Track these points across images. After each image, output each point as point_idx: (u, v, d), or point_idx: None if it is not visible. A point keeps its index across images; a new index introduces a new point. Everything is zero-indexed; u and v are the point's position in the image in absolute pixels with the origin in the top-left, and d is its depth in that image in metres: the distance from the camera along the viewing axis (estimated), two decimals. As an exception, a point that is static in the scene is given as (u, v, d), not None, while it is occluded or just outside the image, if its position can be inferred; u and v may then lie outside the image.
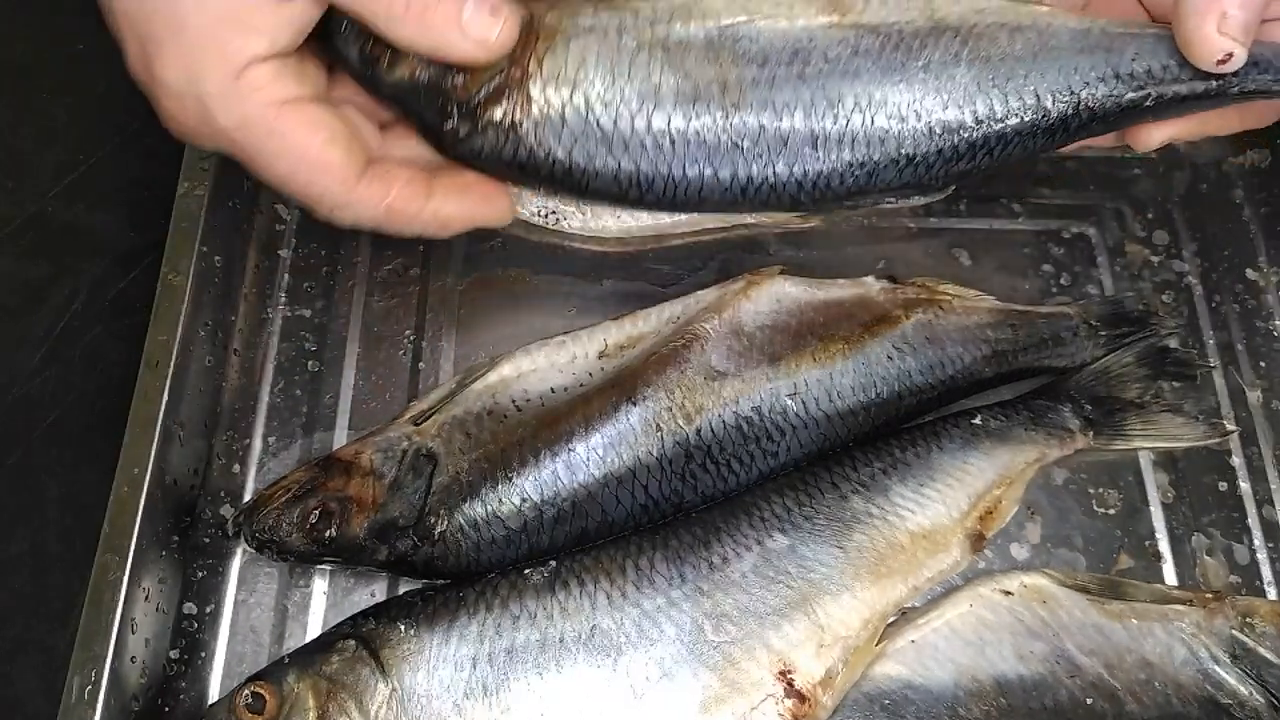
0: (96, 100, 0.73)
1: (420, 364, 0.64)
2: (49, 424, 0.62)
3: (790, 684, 0.51)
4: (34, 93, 0.73)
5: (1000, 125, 0.53)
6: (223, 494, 0.59)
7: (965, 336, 0.61)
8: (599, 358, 0.60)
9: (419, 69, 0.50)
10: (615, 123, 0.51)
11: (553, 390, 0.58)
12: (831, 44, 0.52)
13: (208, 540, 0.58)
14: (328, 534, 0.54)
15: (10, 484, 0.60)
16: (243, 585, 0.57)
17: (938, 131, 0.52)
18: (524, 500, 0.54)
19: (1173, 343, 0.64)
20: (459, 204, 0.51)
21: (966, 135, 0.53)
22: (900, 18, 0.52)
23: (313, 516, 0.54)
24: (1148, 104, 0.52)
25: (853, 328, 0.60)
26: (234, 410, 0.61)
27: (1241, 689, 0.53)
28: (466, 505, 0.54)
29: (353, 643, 0.51)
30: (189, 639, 0.56)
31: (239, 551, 0.58)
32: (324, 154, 0.46)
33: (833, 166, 0.52)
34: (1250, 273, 0.69)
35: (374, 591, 0.58)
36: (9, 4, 0.76)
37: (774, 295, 0.60)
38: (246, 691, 0.49)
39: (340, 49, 0.50)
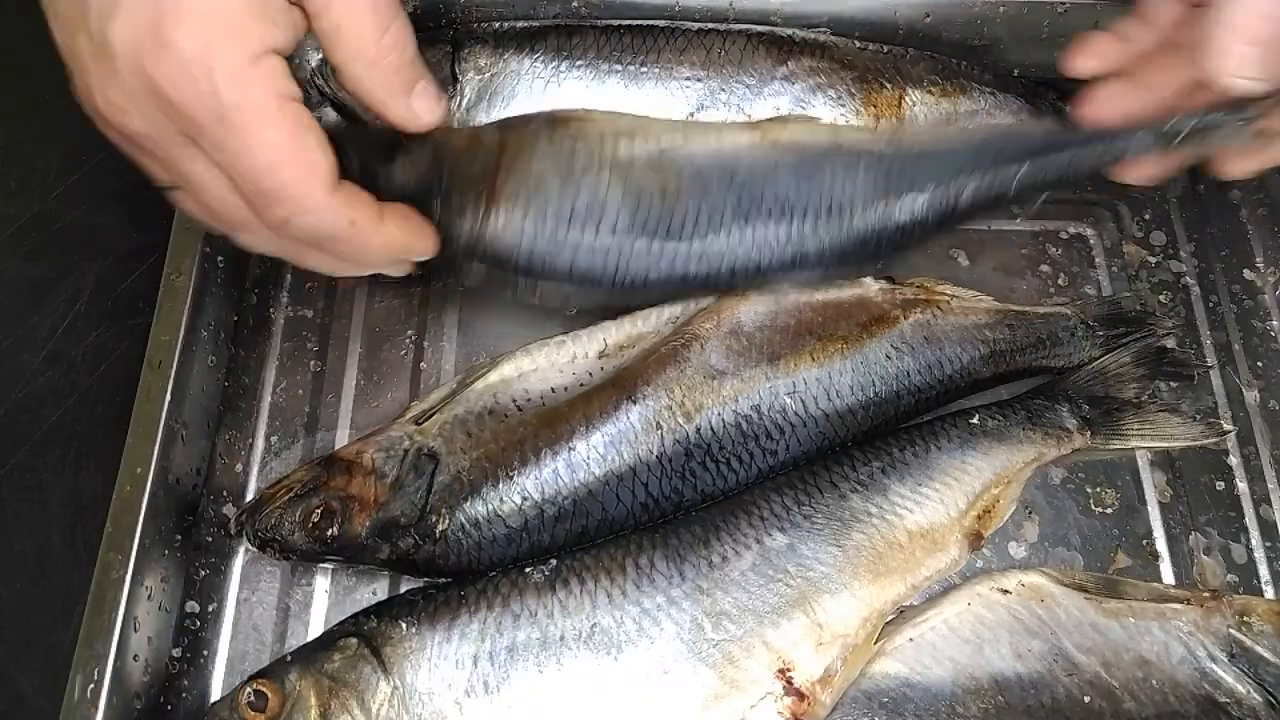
0: (99, 101, 0.73)
1: (422, 364, 0.64)
2: (52, 423, 0.62)
3: (789, 682, 0.51)
4: (36, 93, 0.73)
5: (899, 218, 0.59)
6: (225, 493, 0.60)
7: (963, 336, 0.62)
8: (599, 357, 0.60)
9: (413, 176, 0.55)
10: (567, 227, 0.56)
11: (553, 390, 0.59)
12: (760, 158, 0.59)
13: (210, 539, 0.58)
14: (329, 533, 0.54)
15: (13, 483, 0.60)
16: (245, 584, 0.58)
17: (848, 222, 0.59)
18: (525, 499, 0.55)
19: (1170, 343, 0.64)
20: (404, 233, 0.52)
21: (872, 226, 0.59)
22: (813, 139, 0.60)
23: (315, 515, 0.54)
24: (1009, 195, 0.61)
25: (851, 328, 0.60)
26: (236, 410, 0.62)
27: (1239, 687, 0.53)
28: (468, 504, 0.55)
29: (354, 641, 0.51)
30: (191, 637, 0.56)
31: (241, 550, 0.58)
32: (313, 155, 0.47)
33: (760, 251, 0.58)
34: (1247, 273, 0.69)
35: (376, 590, 0.58)
36: (9, 4, 0.76)
37: (773, 296, 0.61)
38: (249, 689, 0.50)
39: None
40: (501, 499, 0.55)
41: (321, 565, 0.58)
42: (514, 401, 0.58)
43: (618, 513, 0.56)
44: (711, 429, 0.57)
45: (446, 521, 0.55)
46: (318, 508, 0.54)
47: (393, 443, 0.57)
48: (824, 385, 0.58)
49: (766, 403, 0.57)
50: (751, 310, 0.60)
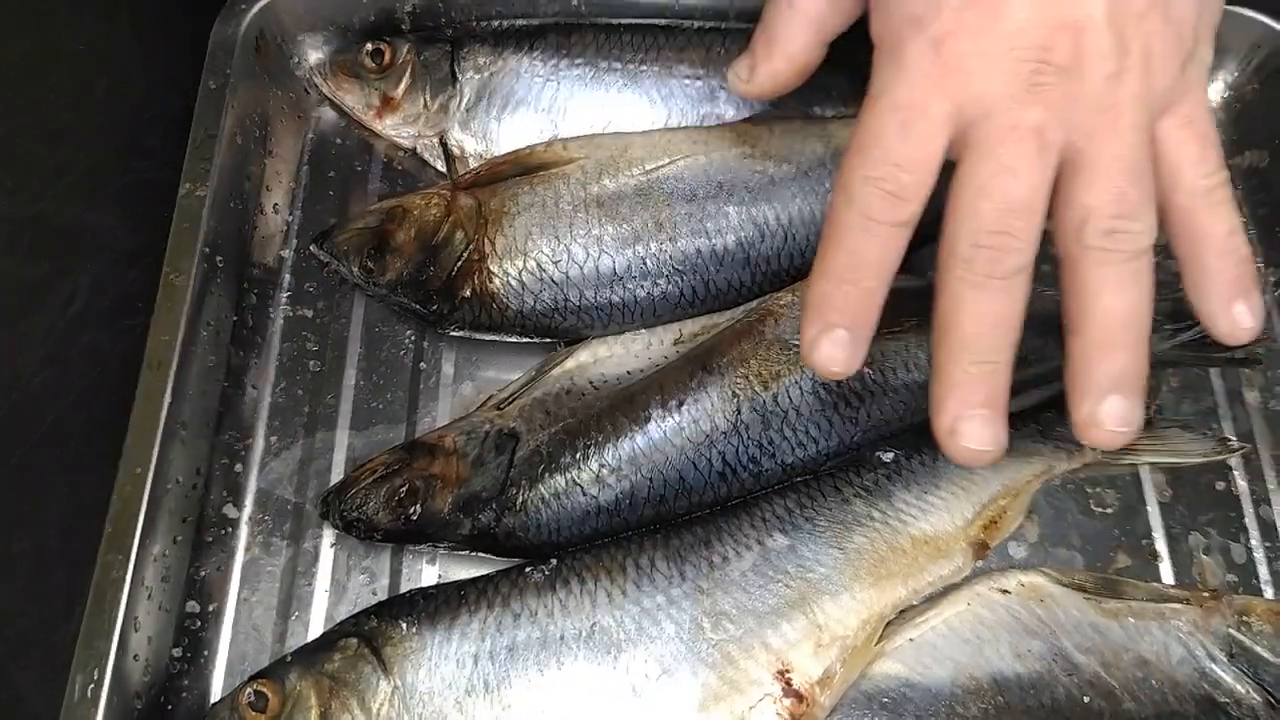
0: (97, 101, 0.73)
1: (421, 364, 0.64)
2: (51, 424, 0.62)
3: (788, 683, 0.51)
4: (34, 93, 0.72)
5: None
6: (225, 493, 0.59)
7: (1035, 321, 0.61)
8: (674, 344, 0.61)
9: (403, 270, 0.60)
10: (567, 275, 0.60)
11: (629, 373, 0.60)
12: (750, 175, 0.61)
13: (210, 539, 0.58)
14: (413, 510, 0.55)
15: (13, 483, 0.60)
16: (245, 584, 0.58)
17: None
18: (603, 466, 0.55)
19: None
20: None
21: None
22: (803, 146, 0.62)
23: (399, 494, 0.55)
24: None
25: (924, 309, 0.60)
26: (236, 410, 0.62)
27: (1238, 687, 0.53)
28: (547, 474, 0.55)
29: (355, 641, 0.51)
30: (191, 637, 0.56)
31: (241, 550, 0.58)
32: None
33: (764, 274, 0.61)
34: (1248, 273, 0.69)
35: (376, 590, 0.58)
36: (9, 4, 0.76)
37: None
38: (249, 690, 0.50)
39: (341, 263, 0.61)
40: (580, 468, 0.55)
41: (319, 566, 0.58)
42: (590, 383, 0.59)
43: (695, 482, 0.56)
44: (789, 397, 0.57)
45: (526, 493, 0.55)
46: (402, 486, 0.55)
47: (474, 426, 0.58)
48: (901, 358, 0.58)
49: None
50: None
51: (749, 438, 0.56)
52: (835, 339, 0.46)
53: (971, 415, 0.44)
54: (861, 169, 0.45)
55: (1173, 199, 0.47)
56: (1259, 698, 0.53)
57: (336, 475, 0.60)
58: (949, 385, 0.45)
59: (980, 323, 0.44)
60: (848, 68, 0.68)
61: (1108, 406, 0.45)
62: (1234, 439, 0.63)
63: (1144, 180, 0.45)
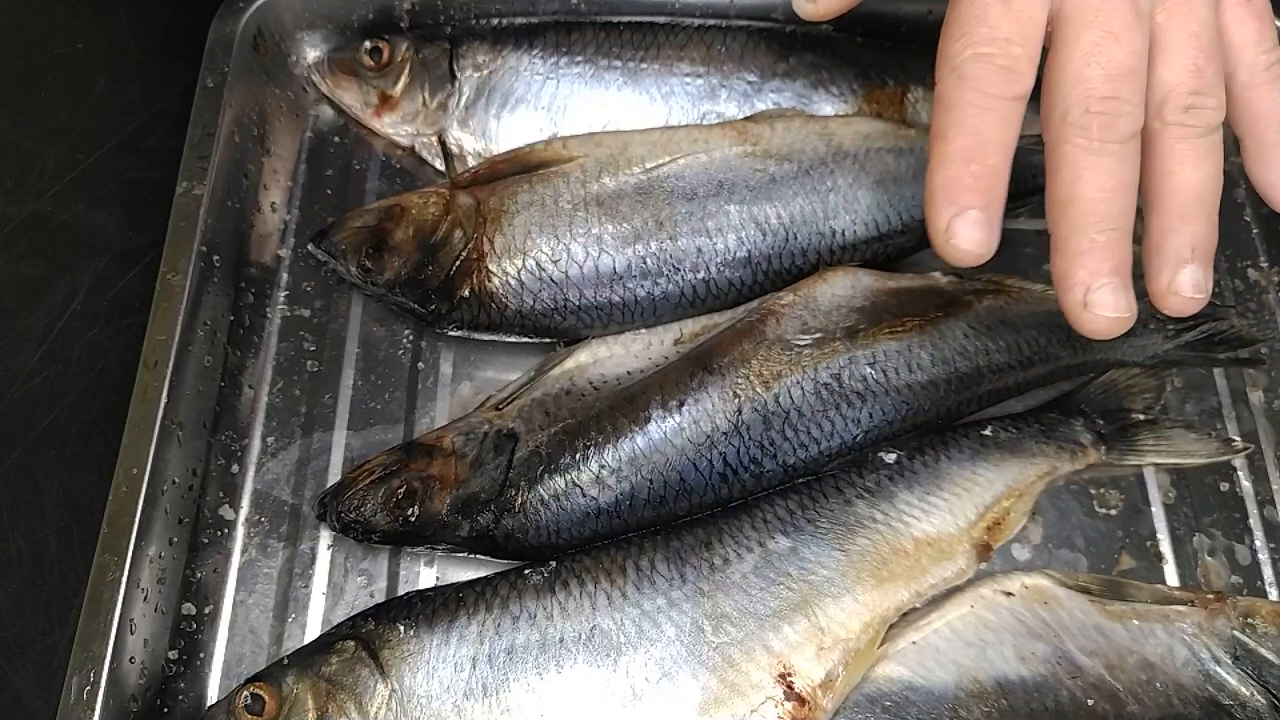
0: (95, 100, 0.72)
1: (419, 364, 0.64)
2: (47, 424, 0.62)
3: (790, 686, 0.50)
4: (33, 92, 0.72)
5: (895, 237, 0.63)
6: (221, 494, 0.59)
7: (1039, 321, 0.61)
8: (674, 344, 0.60)
9: (401, 269, 0.60)
10: (566, 275, 0.59)
11: (629, 373, 0.59)
12: (751, 173, 0.61)
13: (206, 541, 0.58)
14: (411, 512, 0.54)
15: (9, 484, 0.60)
16: (242, 586, 0.57)
17: (847, 242, 0.62)
18: (603, 467, 0.55)
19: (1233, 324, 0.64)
20: None
21: (868, 245, 0.63)
22: (804, 145, 0.62)
23: (396, 495, 0.55)
24: None
25: (926, 309, 0.60)
26: (233, 410, 0.61)
27: (1242, 690, 0.53)
28: (546, 475, 0.55)
29: (352, 644, 0.51)
30: (188, 640, 0.56)
31: (237, 551, 0.58)
32: None
33: (764, 274, 0.61)
34: (1252, 273, 0.69)
35: (373, 592, 0.57)
36: (9, 4, 0.76)
37: (848, 282, 0.60)
38: (246, 693, 0.49)
39: (339, 261, 0.61)
40: (579, 469, 0.55)
41: (318, 566, 0.58)
42: (590, 384, 0.59)
43: (696, 483, 0.55)
44: (790, 398, 0.56)
45: (525, 494, 0.55)
46: (399, 488, 0.55)
47: (472, 427, 0.57)
48: (904, 358, 0.58)
49: (846, 372, 0.57)
50: (829, 291, 0.60)
51: (750, 438, 0.56)
52: (972, 220, 0.46)
53: (1102, 284, 0.45)
54: (970, 48, 0.46)
55: (1235, 76, 0.49)
56: (1264, 700, 0.53)
57: (334, 476, 0.60)
58: (1075, 256, 0.45)
59: (1102, 188, 0.45)
60: (848, 65, 0.69)
61: (1186, 275, 0.46)
62: (1238, 439, 0.63)
63: (1216, 57, 0.47)
